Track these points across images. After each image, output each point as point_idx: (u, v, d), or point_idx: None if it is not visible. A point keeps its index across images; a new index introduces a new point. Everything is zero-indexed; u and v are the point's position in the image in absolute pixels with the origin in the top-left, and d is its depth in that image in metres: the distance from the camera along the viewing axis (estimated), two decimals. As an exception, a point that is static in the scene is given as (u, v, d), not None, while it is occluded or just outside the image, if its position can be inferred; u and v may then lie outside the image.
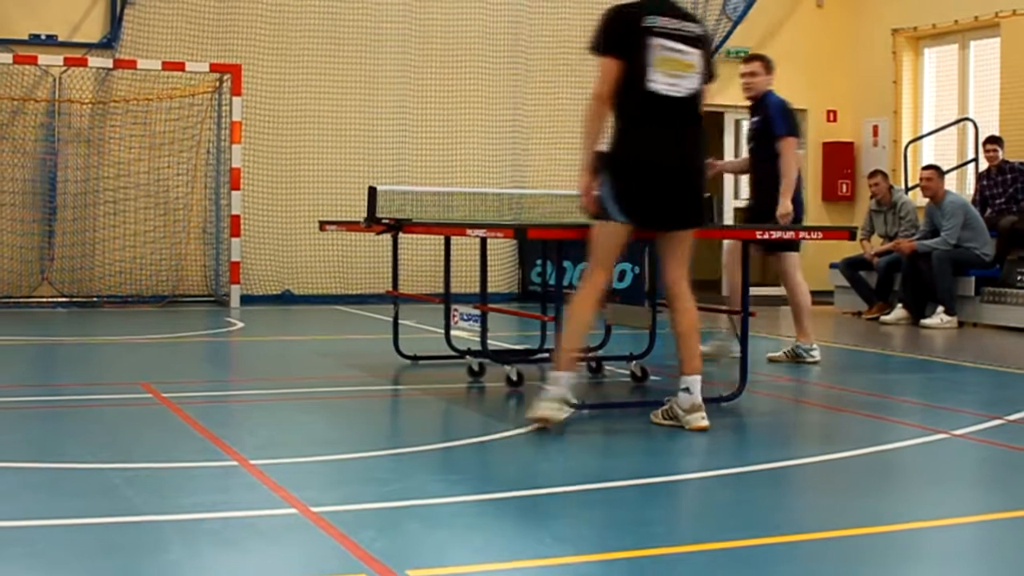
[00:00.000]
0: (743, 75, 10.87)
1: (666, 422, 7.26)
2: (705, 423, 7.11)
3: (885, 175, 16.06)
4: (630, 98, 7.03)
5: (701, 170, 7.35)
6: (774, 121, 10.55)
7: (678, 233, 7.27)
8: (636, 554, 4.61)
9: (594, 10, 15.77)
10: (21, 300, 15.66)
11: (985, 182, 15.61)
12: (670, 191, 7.14)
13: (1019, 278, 14.28)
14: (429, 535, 4.90)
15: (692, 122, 7.21)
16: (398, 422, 8.26)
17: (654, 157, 7.08)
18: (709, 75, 7.26)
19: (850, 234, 8.50)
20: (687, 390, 7.18)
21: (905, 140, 18.31)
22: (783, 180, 10.34)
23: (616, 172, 7.05)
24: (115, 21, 16.18)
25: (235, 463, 6.17)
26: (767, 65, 10.88)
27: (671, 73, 7.02)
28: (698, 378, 7.22)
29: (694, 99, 7.15)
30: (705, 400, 8.34)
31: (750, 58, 11.07)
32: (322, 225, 11.08)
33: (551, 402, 7.00)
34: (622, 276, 15.98)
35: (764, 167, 10.60)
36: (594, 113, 7.09)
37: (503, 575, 4.43)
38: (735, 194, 19.97)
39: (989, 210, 15.29)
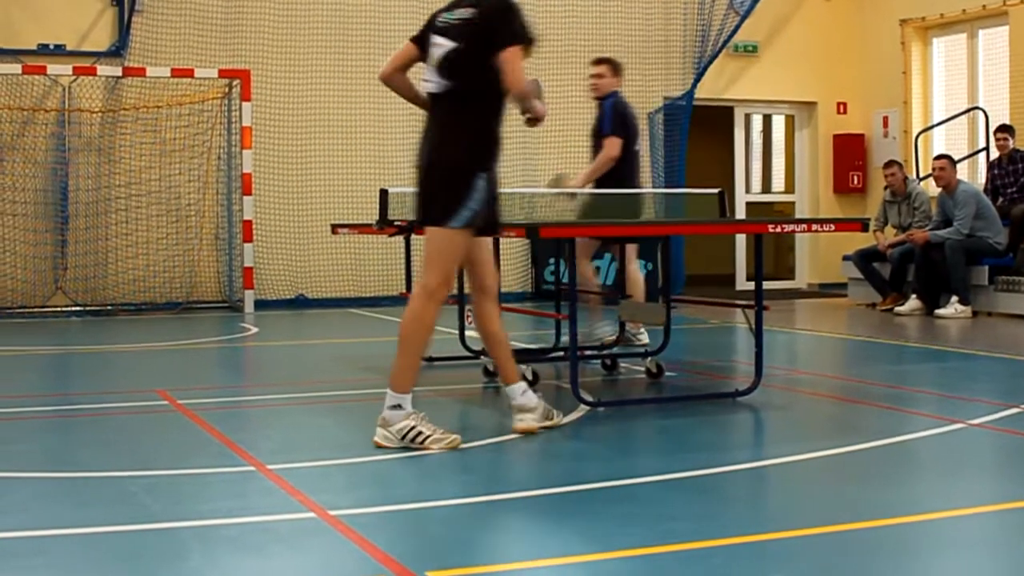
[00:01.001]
0: (591, 76, 11.08)
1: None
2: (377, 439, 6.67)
3: (901, 166, 16.04)
4: None
5: (436, 165, 6.76)
6: (603, 120, 10.71)
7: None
8: (656, 551, 4.61)
9: (602, 8, 15.75)
10: (35, 310, 15.70)
11: (996, 171, 15.58)
12: (417, 188, 6.92)
13: (1033, 266, 14.27)
14: (448, 536, 4.90)
15: (443, 116, 6.83)
16: (414, 424, 8.25)
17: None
18: (482, 49, 6.67)
19: (863, 226, 8.48)
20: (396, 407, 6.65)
21: (915, 131, 18.31)
22: (592, 170, 10.69)
23: None
24: (123, 29, 16.20)
25: (252, 468, 6.17)
26: (614, 68, 11.03)
27: (429, 69, 6.86)
28: (393, 395, 6.65)
29: (447, 94, 6.78)
30: (721, 394, 8.36)
31: (598, 60, 11.22)
32: (334, 228, 11.09)
33: (518, 412, 7.04)
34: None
35: None
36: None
37: (522, 574, 4.43)
38: (747, 188, 19.97)
39: (1000, 199, 15.25)
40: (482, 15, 6.70)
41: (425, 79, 6.86)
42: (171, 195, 16.41)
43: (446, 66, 6.74)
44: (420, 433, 6.56)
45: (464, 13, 6.75)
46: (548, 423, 7.07)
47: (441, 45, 6.76)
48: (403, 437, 6.56)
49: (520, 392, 7.04)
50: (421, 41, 6.92)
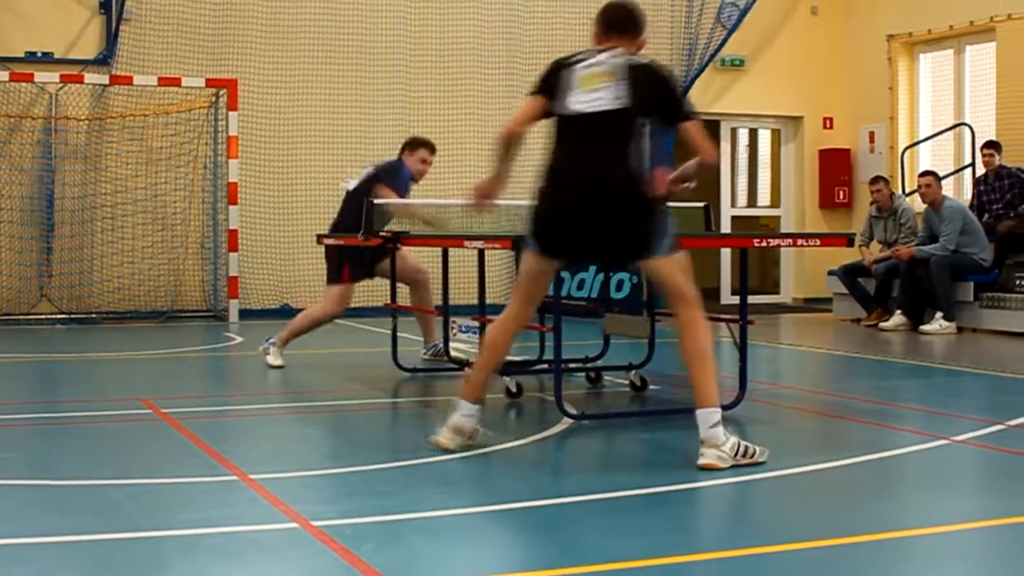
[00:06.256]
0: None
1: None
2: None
3: (887, 181, 16.08)
4: None
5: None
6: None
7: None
8: (640, 564, 4.60)
9: (589, 22, 15.74)
10: (20, 317, 15.66)
11: (982, 187, 15.62)
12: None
13: (1017, 283, 14.28)
14: (430, 547, 4.89)
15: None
16: (398, 435, 8.25)
17: None
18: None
19: (848, 241, 8.50)
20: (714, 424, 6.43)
21: (902, 146, 18.35)
22: None
23: None
24: (111, 37, 16.19)
25: (235, 478, 6.16)
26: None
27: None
28: (708, 411, 6.44)
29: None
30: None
31: None
32: (319, 239, 11.08)
33: (450, 431, 6.77)
34: (620, 286, 15.96)
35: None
36: None
37: (505, 587, 4.44)
38: (732, 202, 20.00)
39: (986, 215, 15.29)
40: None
41: None
42: (157, 204, 16.39)
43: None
44: (747, 448, 6.43)
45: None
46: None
47: None
48: (736, 454, 6.38)
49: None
50: None
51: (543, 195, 6.76)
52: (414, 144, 11.13)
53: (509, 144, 6.96)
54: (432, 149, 11.14)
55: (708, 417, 6.43)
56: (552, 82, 6.84)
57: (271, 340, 10.90)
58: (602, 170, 6.62)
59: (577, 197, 6.63)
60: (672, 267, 6.64)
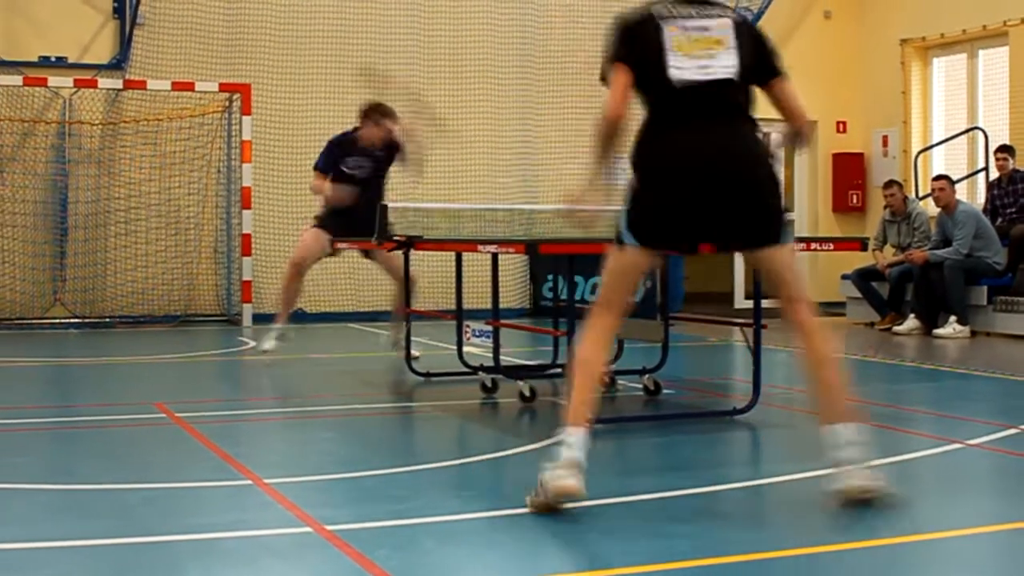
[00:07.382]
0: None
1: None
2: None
3: (900, 185, 16.05)
4: None
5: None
6: None
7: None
8: (652, 569, 4.60)
9: (602, 23, 15.77)
10: (34, 321, 15.69)
11: (996, 191, 15.59)
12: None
13: (1031, 287, 14.27)
14: (444, 552, 4.89)
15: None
16: (412, 439, 8.25)
17: None
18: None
19: (862, 245, 8.48)
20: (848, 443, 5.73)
21: (915, 150, 18.31)
22: None
23: None
24: (124, 42, 16.22)
25: (249, 482, 6.17)
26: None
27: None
28: (841, 427, 5.81)
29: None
30: (718, 412, 8.35)
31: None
32: (333, 243, 11.08)
33: (566, 469, 5.56)
34: (634, 290, 15.93)
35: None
36: None
37: (519, 591, 4.43)
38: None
39: (1000, 219, 15.27)
40: None
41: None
42: (170, 208, 16.42)
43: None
44: None
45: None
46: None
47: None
48: None
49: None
50: None
51: (657, 178, 5.75)
52: (366, 113, 11.48)
53: (615, 130, 5.75)
54: (383, 112, 11.33)
55: (853, 432, 5.77)
56: (631, 47, 5.80)
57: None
58: (739, 143, 5.78)
59: (714, 175, 5.69)
60: (794, 258, 6.05)
